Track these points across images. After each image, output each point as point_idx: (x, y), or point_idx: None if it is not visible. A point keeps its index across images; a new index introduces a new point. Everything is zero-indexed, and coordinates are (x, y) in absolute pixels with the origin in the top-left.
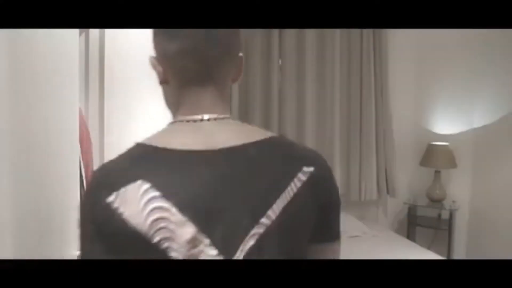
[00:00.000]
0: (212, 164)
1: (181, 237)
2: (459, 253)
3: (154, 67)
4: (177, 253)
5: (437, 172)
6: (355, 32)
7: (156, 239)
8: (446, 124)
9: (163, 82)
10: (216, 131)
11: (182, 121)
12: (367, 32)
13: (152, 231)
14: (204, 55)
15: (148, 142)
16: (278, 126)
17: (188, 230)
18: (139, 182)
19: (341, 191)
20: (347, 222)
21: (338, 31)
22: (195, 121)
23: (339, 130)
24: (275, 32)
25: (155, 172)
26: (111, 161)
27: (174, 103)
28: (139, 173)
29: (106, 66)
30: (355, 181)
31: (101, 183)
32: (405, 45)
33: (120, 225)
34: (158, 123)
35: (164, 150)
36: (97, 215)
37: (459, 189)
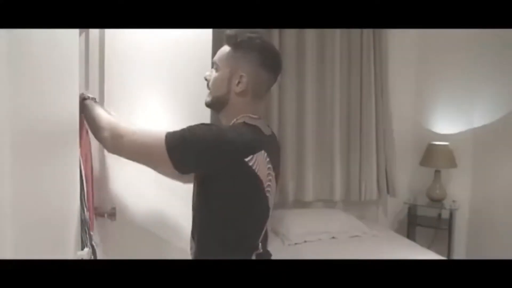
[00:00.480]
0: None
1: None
2: (459, 253)
3: (243, 83)
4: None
5: (437, 172)
6: (355, 32)
7: (266, 184)
8: (446, 123)
9: (243, 94)
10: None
11: (252, 117)
12: (367, 32)
13: (266, 182)
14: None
15: (251, 122)
16: (278, 126)
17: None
18: (263, 151)
19: (341, 191)
20: (347, 222)
21: (338, 31)
22: (260, 118)
23: (339, 130)
24: (275, 32)
25: (265, 146)
26: (242, 131)
27: (247, 106)
28: (261, 144)
29: (106, 66)
30: (355, 181)
31: (241, 146)
32: (405, 45)
33: (252, 175)
34: (158, 122)
35: (260, 131)
36: (235, 166)
37: (459, 189)
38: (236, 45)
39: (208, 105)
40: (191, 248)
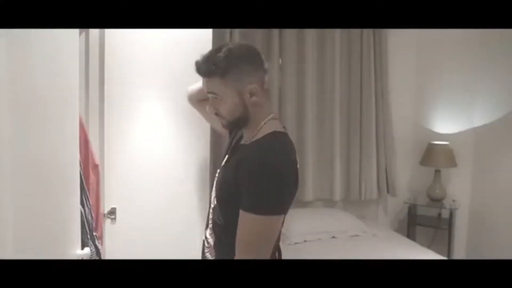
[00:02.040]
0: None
1: None
2: (459, 252)
3: (257, 93)
4: None
5: (437, 171)
6: (355, 32)
7: None
8: (446, 123)
9: (259, 101)
10: None
11: (274, 120)
12: (367, 32)
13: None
14: None
15: (280, 130)
16: None
17: None
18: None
19: (341, 190)
20: (348, 221)
21: (338, 31)
22: (276, 118)
23: (339, 130)
24: (275, 32)
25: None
26: (288, 146)
27: (265, 107)
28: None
29: (106, 66)
30: (355, 180)
31: (293, 158)
32: (405, 45)
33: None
34: (157, 122)
35: (288, 136)
36: (294, 177)
37: (459, 188)
38: (222, 71)
39: (227, 127)
40: (208, 247)
